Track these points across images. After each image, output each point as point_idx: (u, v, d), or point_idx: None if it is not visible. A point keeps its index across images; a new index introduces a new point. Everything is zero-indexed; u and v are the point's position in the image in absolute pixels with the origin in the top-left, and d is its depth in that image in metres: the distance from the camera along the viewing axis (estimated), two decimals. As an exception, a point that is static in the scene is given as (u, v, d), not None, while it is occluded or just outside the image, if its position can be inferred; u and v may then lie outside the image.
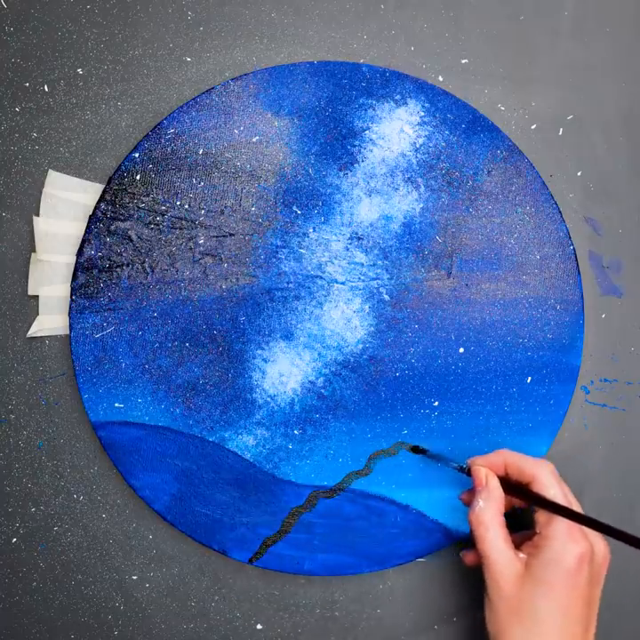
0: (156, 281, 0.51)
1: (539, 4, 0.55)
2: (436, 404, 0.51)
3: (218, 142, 0.51)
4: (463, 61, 0.54)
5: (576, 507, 0.45)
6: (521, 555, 0.44)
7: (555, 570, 0.42)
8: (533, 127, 0.54)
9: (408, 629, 0.52)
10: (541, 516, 0.44)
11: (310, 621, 0.52)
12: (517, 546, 0.45)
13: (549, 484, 0.44)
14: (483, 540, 0.44)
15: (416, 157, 0.52)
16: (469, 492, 0.49)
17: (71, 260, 0.52)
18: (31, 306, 0.53)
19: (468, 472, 0.48)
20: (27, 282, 0.52)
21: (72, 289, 0.51)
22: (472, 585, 0.53)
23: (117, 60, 0.53)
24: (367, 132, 0.52)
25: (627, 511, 0.53)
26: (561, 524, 0.43)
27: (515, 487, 0.46)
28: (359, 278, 0.52)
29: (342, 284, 0.51)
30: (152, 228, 0.51)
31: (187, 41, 0.53)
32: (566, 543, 0.43)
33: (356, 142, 0.52)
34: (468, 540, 0.51)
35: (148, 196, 0.51)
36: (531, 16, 0.55)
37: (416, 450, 0.51)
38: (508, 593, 0.43)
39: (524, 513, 0.50)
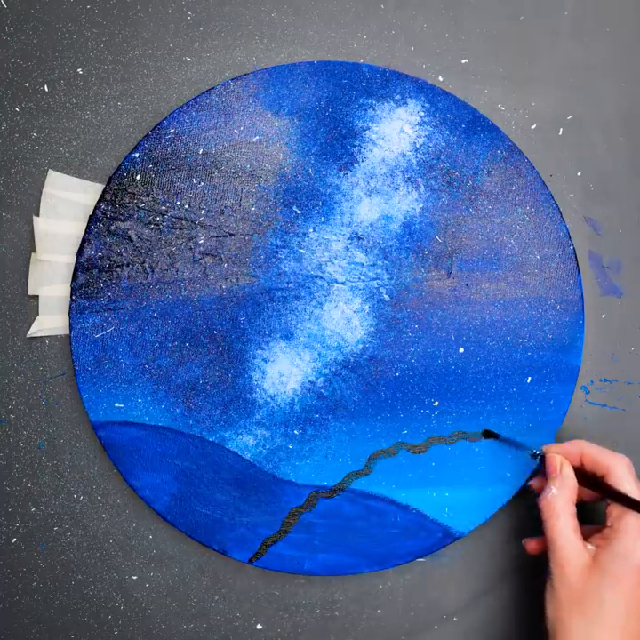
0: (156, 281, 0.51)
1: (539, 4, 0.55)
2: (436, 403, 0.51)
3: (218, 142, 0.51)
4: (463, 61, 0.54)
5: None
6: (589, 546, 0.44)
7: (623, 563, 0.42)
8: (533, 127, 0.54)
9: (408, 629, 0.52)
10: (614, 509, 0.44)
11: (310, 621, 0.52)
12: (586, 538, 0.45)
13: (625, 477, 0.44)
14: (552, 528, 0.44)
15: (416, 157, 0.52)
16: (541, 479, 0.49)
17: (71, 260, 0.52)
18: (31, 306, 0.53)
19: (541, 459, 0.48)
20: (27, 282, 0.52)
21: (72, 289, 0.51)
22: (472, 585, 0.53)
23: (117, 60, 0.53)
24: (367, 131, 0.52)
25: (627, 511, 0.53)
26: (633, 519, 0.43)
27: (589, 478, 0.46)
28: (359, 278, 0.52)
29: (342, 283, 0.51)
30: (152, 228, 0.51)
31: (187, 41, 0.53)
32: (637, 539, 0.43)
33: (356, 142, 0.52)
34: (536, 531, 0.50)
35: (147, 195, 0.51)
36: (531, 16, 0.55)
37: (487, 434, 0.51)
38: (573, 582, 0.43)
39: (591, 505, 0.50)
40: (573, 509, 0.45)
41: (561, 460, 0.46)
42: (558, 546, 0.44)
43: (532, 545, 0.49)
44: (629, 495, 0.44)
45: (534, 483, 0.50)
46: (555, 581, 0.44)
